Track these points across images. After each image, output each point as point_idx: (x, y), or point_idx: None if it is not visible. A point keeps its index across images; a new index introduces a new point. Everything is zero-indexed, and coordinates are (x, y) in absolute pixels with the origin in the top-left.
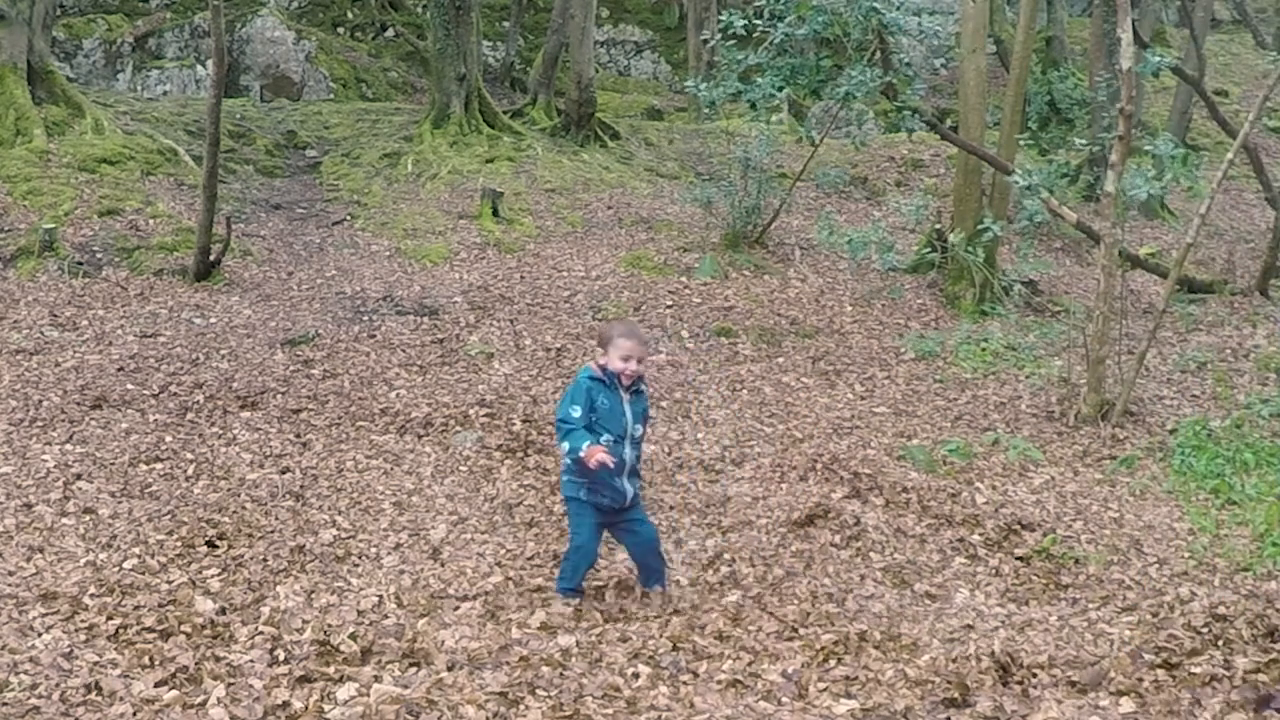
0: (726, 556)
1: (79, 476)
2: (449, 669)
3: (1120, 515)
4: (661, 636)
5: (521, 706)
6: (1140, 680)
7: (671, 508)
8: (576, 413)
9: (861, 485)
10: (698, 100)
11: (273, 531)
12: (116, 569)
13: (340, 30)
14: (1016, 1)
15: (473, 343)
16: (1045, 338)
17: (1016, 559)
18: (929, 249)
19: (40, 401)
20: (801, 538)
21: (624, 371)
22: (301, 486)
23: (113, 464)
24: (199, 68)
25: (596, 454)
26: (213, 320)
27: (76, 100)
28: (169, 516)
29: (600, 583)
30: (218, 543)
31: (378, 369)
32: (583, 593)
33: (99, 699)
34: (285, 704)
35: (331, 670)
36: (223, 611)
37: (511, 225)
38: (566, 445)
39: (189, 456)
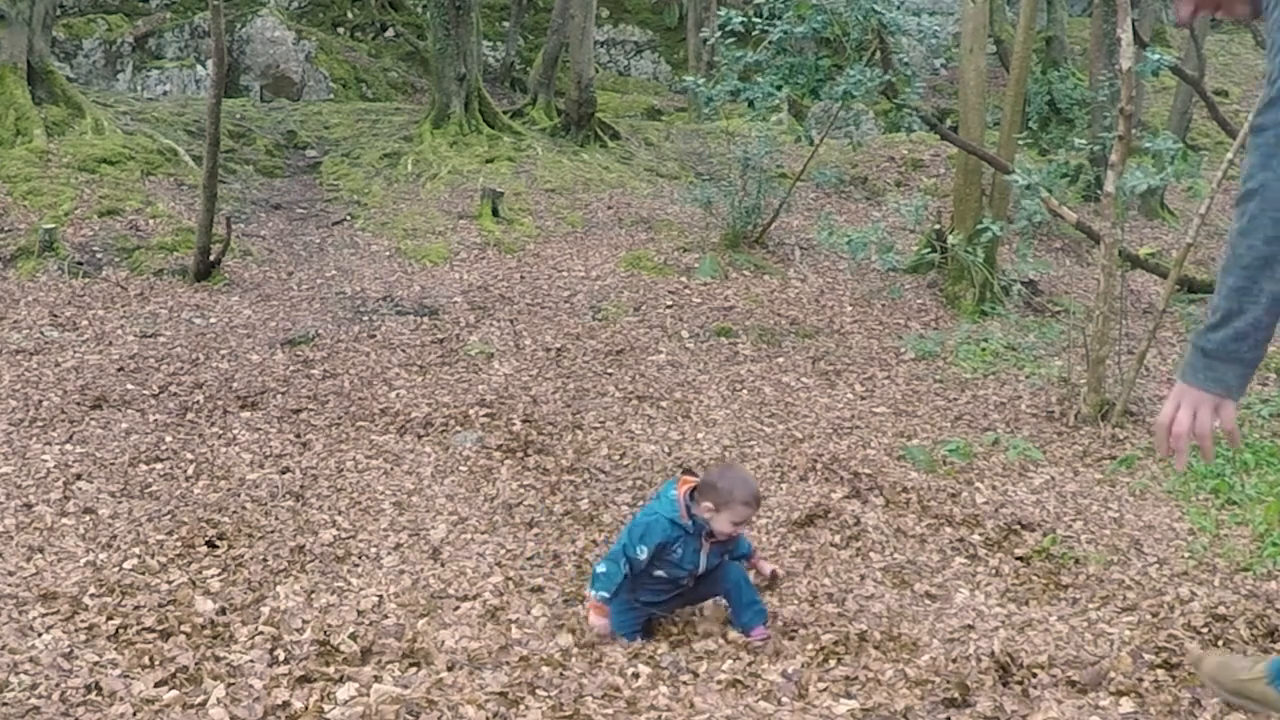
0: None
1: (79, 476)
2: (449, 669)
3: (1120, 515)
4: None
5: (521, 706)
6: (1140, 680)
7: None
8: (643, 554)
9: (861, 485)
10: (696, 98)
11: (273, 531)
12: (116, 569)
13: (340, 30)
14: (1016, 1)
15: (473, 343)
16: (1045, 338)
17: (1016, 559)
18: (929, 249)
19: (40, 401)
20: (801, 538)
21: (729, 535)
22: (301, 486)
23: (113, 464)
24: (199, 68)
25: (596, 618)
26: (213, 320)
27: (76, 100)
28: (169, 516)
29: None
30: (218, 543)
31: (378, 369)
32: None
33: (99, 699)
34: (285, 704)
35: (331, 670)
36: (223, 611)
37: (511, 225)
38: (595, 592)
39: (189, 456)
